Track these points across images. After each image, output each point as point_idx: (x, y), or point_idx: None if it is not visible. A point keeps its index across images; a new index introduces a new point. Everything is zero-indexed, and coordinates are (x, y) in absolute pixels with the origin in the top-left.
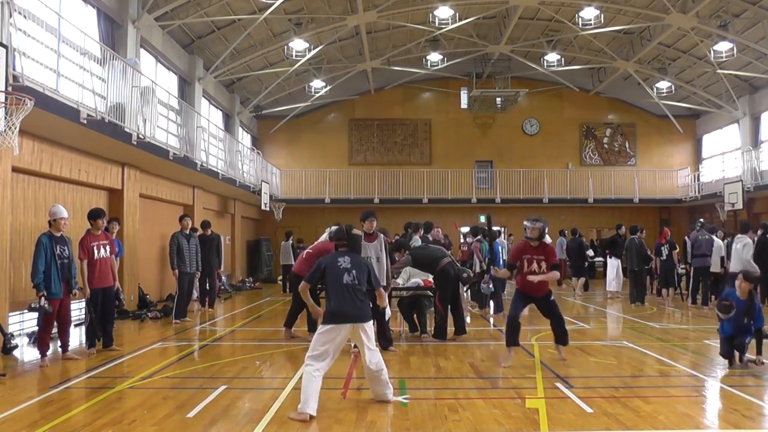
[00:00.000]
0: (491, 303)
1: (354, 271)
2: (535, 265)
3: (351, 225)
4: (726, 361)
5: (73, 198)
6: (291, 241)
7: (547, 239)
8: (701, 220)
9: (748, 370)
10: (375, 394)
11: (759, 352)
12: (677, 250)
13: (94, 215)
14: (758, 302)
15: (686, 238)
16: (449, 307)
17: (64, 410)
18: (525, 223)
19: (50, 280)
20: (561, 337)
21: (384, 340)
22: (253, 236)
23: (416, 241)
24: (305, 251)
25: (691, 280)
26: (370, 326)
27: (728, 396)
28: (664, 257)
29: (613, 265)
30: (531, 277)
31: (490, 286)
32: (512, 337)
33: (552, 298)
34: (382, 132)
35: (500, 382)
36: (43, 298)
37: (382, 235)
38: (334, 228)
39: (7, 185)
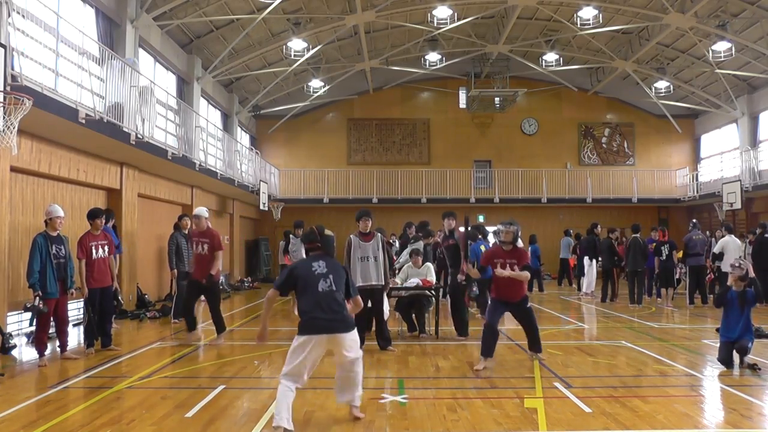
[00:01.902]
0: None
1: (331, 276)
2: (507, 270)
3: (322, 225)
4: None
5: (71, 198)
6: None
7: (519, 243)
8: (694, 220)
9: (746, 369)
10: (344, 396)
11: (741, 362)
12: (677, 250)
13: (92, 215)
14: (751, 290)
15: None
16: (452, 308)
17: (63, 410)
18: (498, 226)
19: (45, 279)
20: (534, 345)
21: (382, 339)
22: (251, 236)
23: (420, 244)
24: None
25: (688, 280)
26: (352, 336)
27: (727, 395)
28: (664, 257)
29: (592, 265)
30: (498, 271)
31: (475, 289)
32: (489, 347)
33: (528, 305)
34: (381, 132)
35: (499, 382)
36: (38, 298)
37: (379, 234)
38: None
39: (6, 185)
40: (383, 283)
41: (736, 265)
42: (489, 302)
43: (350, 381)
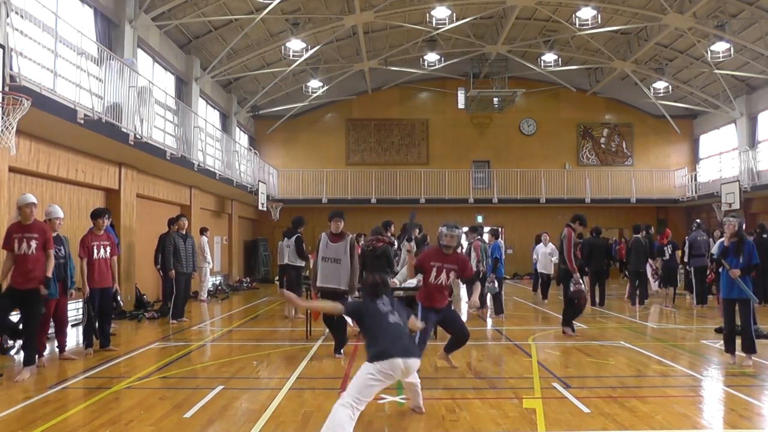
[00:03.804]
0: (489, 303)
1: (396, 314)
2: (444, 275)
3: (385, 276)
4: (725, 350)
5: (70, 198)
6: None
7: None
8: (698, 220)
9: (744, 369)
10: (415, 405)
11: (743, 350)
12: (679, 250)
13: (95, 215)
14: (748, 239)
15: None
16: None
17: (61, 410)
18: (441, 229)
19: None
20: (453, 347)
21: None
22: (250, 236)
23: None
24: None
25: (694, 280)
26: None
27: (726, 396)
28: (667, 257)
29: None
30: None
31: (495, 285)
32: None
33: (453, 308)
34: (380, 132)
35: (497, 382)
36: None
37: (351, 236)
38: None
39: (4, 185)
40: (346, 288)
41: (728, 222)
42: (420, 310)
43: (414, 392)
